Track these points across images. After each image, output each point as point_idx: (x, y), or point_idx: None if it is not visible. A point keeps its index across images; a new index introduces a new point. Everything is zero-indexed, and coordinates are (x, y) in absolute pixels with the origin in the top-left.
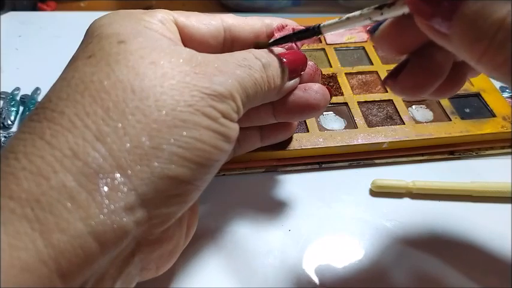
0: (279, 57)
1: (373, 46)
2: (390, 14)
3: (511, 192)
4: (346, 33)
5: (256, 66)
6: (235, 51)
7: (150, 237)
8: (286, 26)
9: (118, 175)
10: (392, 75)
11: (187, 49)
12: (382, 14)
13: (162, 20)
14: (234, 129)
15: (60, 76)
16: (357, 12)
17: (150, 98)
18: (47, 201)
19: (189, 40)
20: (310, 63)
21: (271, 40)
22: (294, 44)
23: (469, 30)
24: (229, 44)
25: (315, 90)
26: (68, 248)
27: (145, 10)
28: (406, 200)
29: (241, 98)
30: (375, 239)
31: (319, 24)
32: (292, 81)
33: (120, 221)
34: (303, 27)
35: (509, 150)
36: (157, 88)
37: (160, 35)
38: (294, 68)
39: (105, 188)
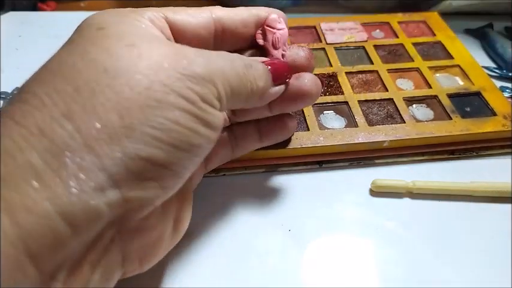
0: (261, 63)
1: (374, 45)
2: None
3: (511, 192)
4: (346, 32)
5: (239, 62)
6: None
7: (129, 224)
8: (279, 20)
9: (86, 154)
10: None
11: (168, 40)
12: None
13: (151, 17)
14: (216, 116)
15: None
16: None
17: (123, 76)
18: (13, 180)
19: (181, 34)
20: (305, 48)
21: None
22: (280, 56)
23: None
24: (220, 35)
25: (306, 78)
26: (35, 228)
27: (135, 9)
28: (406, 200)
29: (224, 86)
30: (375, 239)
31: None
32: (277, 88)
33: (91, 201)
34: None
35: (509, 150)
36: (131, 67)
37: (145, 29)
38: (277, 74)
39: (73, 167)
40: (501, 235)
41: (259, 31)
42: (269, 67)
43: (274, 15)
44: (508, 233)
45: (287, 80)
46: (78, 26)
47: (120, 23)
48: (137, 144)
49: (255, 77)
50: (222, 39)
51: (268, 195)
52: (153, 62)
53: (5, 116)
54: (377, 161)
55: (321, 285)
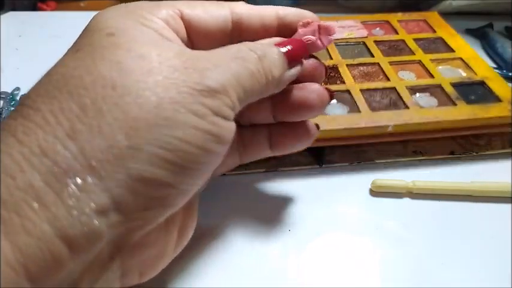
0: (276, 47)
1: (374, 41)
2: None
3: (511, 192)
4: (346, 30)
5: (251, 59)
6: (230, 45)
7: (128, 241)
8: (312, 22)
9: (89, 175)
10: None
11: (180, 45)
12: None
13: (166, 17)
14: (227, 128)
15: (46, 71)
16: None
17: (132, 94)
18: (13, 202)
19: (196, 32)
20: (313, 60)
21: None
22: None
23: None
24: (236, 35)
25: (312, 90)
26: (35, 251)
27: (150, 5)
28: (406, 200)
29: (237, 93)
30: (374, 239)
31: None
32: (293, 70)
33: (91, 223)
34: (327, 25)
35: (509, 150)
36: (140, 84)
37: (156, 33)
38: (292, 57)
39: (75, 189)
40: (501, 235)
41: (301, 23)
42: (284, 50)
43: (330, 22)
44: (508, 233)
45: (303, 60)
46: (87, 27)
47: (131, 28)
48: (143, 166)
49: (270, 67)
50: (238, 38)
51: (268, 195)
52: (162, 78)
53: (6, 130)
54: (377, 161)
55: (321, 285)
